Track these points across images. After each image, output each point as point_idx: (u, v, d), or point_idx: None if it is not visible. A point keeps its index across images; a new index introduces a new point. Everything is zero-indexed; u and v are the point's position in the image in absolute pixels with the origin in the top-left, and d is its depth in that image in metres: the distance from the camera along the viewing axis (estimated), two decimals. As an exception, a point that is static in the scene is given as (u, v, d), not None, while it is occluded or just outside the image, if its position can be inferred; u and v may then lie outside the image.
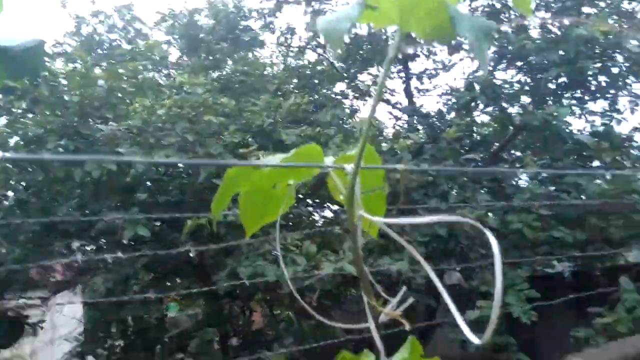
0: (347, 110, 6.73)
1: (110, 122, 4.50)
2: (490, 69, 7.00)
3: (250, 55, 7.70)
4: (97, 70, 4.66)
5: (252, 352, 4.87)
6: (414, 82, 7.67)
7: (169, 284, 5.84)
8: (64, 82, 4.19)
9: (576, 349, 2.93)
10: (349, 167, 0.69)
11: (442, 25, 0.49)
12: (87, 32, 9.16)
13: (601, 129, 6.51)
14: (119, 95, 4.66)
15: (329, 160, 0.74)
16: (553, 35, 5.71)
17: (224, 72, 7.36)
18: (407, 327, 0.61)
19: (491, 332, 0.49)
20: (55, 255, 4.45)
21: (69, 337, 5.41)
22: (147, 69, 6.34)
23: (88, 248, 4.97)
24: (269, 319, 5.72)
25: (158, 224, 4.71)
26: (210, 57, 6.80)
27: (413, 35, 0.53)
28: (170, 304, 7.10)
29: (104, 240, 4.77)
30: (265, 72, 7.22)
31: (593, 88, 6.60)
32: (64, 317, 5.61)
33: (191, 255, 2.49)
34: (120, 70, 4.57)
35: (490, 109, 7.00)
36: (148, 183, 4.63)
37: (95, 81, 4.00)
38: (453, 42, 6.98)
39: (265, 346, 5.13)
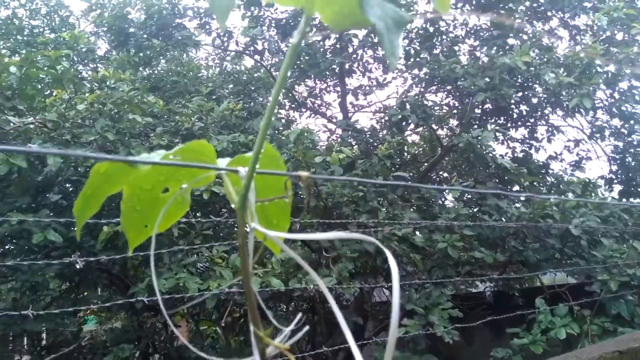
0: (283, 121, 6.66)
1: (26, 115, 4.13)
2: (422, 90, 7.23)
3: (184, 55, 7.44)
4: (16, 58, 4.26)
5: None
6: (350, 98, 7.75)
7: (86, 294, 5.46)
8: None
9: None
10: (243, 169, 0.59)
11: (350, 11, 0.43)
12: (6, 16, 8.46)
13: (521, 155, 6.91)
14: (37, 85, 4.29)
15: (223, 162, 0.64)
16: (480, 62, 5.99)
17: (156, 71, 7.05)
18: None
19: (390, 357, 0.43)
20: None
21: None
22: (72, 60, 5.91)
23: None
24: (194, 335, 5.46)
25: (74, 229, 4.36)
26: (141, 54, 6.48)
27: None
28: (88, 316, 6.64)
29: (11, 245, 4.34)
30: (200, 75, 7.00)
31: (515, 116, 7.00)
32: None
33: (78, 267, 2.25)
34: (39, 58, 4.20)
35: (420, 129, 7.22)
36: (67, 184, 4.28)
37: (7, 67, 3.64)
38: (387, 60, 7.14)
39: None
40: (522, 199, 5.41)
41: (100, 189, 0.59)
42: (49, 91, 4.47)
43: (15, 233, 3.74)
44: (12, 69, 3.66)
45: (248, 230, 0.54)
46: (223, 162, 0.63)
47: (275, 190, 0.66)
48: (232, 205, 0.55)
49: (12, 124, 3.84)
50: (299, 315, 0.63)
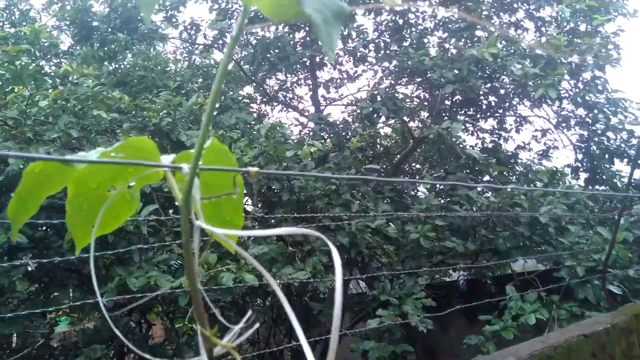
0: (255, 115, 6.59)
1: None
2: (392, 82, 7.27)
3: (151, 49, 7.28)
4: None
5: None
6: (321, 91, 7.74)
7: (56, 294, 5.31)
8: None
9: (469, 356, 3.06)
10: (187, 166, 0.56)
11: (288, 2, 0.42)
12: (-39, 9, 8.11)
13: (490, 145, 7.03)
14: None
15: (167, 158, 0.61)
16: (448, 54, 6.05)
17: (122, 65, 6.88)
18: None
19: (333, 353, 0.42)
20: None
21: None
22: (34, 55, 5.71)
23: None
24: (169, 332, 5.37)
25: (43, 229, 4.23)
26: (105, 48, 6.31)
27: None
28: (60, 318, 6.47)
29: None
30: (168, 69, 6.87)
31: (484, 107, 7.11)
32: None
33: (30, 268, 2.18)
34: (-2, 54, 4.04)
35: (392, 121, 7.27)
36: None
37: (-37, 64, 3.49)
38: (357, 52, 7.16)
39: (161, 361, 4.80)
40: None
41: (38, 189, 0.56)
42: (9, 88, 4.31)
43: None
44: (-32, 64, 3.51)
45: (193, 228, 0.52)
46: (167, 159, 0.60)
47: (228, 185, 0.64)
48: (176, 203, 0.53)
49: (-30, 122, 3.69)
50: (249, 312, 0.61)
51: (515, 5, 7.12)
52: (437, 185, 5.74)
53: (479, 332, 3.91)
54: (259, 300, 5.91)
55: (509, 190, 4.71)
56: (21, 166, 3.60)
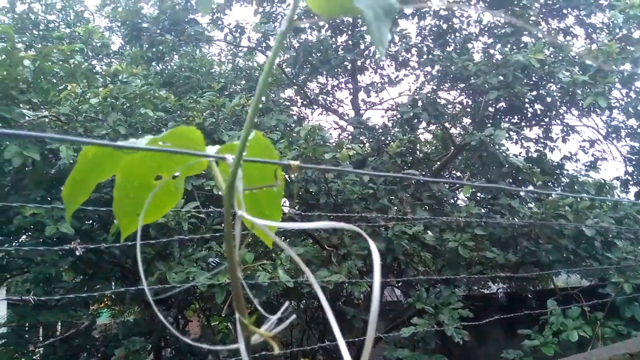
0: (295, 117, 6.65)
1: (40, 108, 4.16)
2: (434, 87, 7.18)
3: (197, 51, 7.46)
4: (32, 52, 4.29)
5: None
6: (362, 95, 7.72)
7: (98, 287, 5.51)
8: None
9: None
10: (231, 157, 0.57)
11: None
12: (22, 10, 8.55)
13: (535, 155, 6.83)
14: (52, 80, 4.32)
15: (212, 149, 0.62)
16: (493, 60, 5.93)
17: (169, 66, 7.08)
18: (276, 351, 0.51)
19: (367, 356, 0.42)
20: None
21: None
22: (86, 55, 5.95)
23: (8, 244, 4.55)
24: (205, 329, 5.48)
25: (89, 222, 4.40)
26: (153, 49, 6.51)
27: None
28: (101, 310, 6.71)
29: (26, 237, 4.39)
30: (212, 70, 7.01)
31: (529, 115, 6.92)
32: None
33: (77, 253, 2.25)
34: (53, 52, 4.23)
35: (433, 127, 7.17)
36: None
37: (21, 61, 3.66)
38: (399, 56, 7.11)
39: (199, 358, 4.89)
40: (531, 196, 5.35)
41: (90, 174, 0.58)
42: (62, 85, 4.50)
43: (29, 225, 3.78)
44: (26, 62, 3.69)
45: (235, 217, 0.53)
46: (212, 150, 0.62)
47: (269, 179, 0.65)
48: (220, 193, 0.54)
49: (26, 117, 3.88)
50: (286, 304, 0.62)
51: (564, 11, 6.90)
52: (478, 194, 5.61)
53: (517, 346, 3.79)
54: (293, 302, 5.93)
55: (553, 196, 4.55)
56: (71, 161, 3.76)
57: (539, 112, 6.84)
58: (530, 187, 5.62)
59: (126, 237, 0.68)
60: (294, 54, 6.79)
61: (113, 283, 5.91)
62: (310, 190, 4.69)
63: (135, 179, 0.62)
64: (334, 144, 5.29)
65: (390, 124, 7.05)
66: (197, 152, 0.60)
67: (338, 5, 0.43)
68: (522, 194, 5.31)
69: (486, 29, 7.04)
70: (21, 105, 4.09)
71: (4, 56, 3.81)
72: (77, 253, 2.12)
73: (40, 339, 5.36)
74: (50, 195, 4.10)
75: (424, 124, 6.68)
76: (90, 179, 0.59)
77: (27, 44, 7.73)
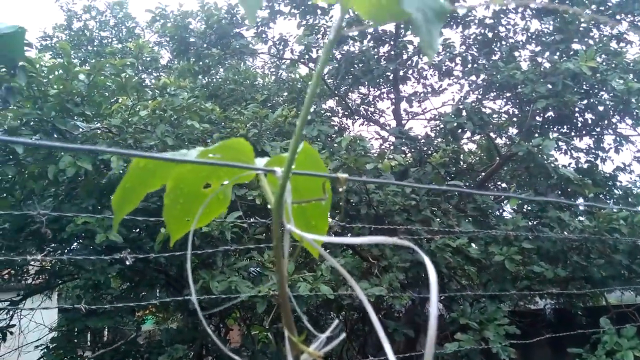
0: (336, 128, 6.67)
1: (93, 120, 4.36)
2: (479, 97, 7.04)
3: (241, 64, 7.63)
4: (86, 67, 4.52)
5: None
6: (404, 105, 7.66)
7: (144, 294, 5.66)
8: (46, 74, 4.04)
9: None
10: (280, 170, 0.57)
11: (389, 3, 0.41)
12: (78, 27, 9.02)
13: (586, 165, 6.57)
14: (105, 93, 4.53)
15: (261, 161, 0.63)
16: (542, 68, 5.76)
17: (214, 79, 7.27)
18: None
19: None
20: (26, 256, 4.23)
21: (38, 345, 5.15)
22: (136, 68, 6.19)
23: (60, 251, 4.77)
24: (246, 338, 5.54)
25: (136, 231, 4.54)
26: (200, 62, 6.70)
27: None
28: (146, 316, 6.90)
29: (77, 245, 4.58)
30: (256, 83, 7.15)
31: (579, 124, 6.67)
32: (34, 323, 5.35)
33: (127, 262, 2.32)
34: (106, 66, 4.44)
35: (477, 137, 7.02)
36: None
37: (77, 75, 3.86)
38: (442, 66, 7.02)
39: (241, 368, 4.95)
40: (582, 208, 5.14)
41: (140, 184, 0.60)
42: (114, 98, 4.70)
43: (80, 233, 3.94)
44: (81, 76, 3.88)
45: (283, 231, 0.53)
46: (261, 162, 0.62)
47: (316, 190, 0.65)
48: (269, 206, 0.55)
49: (80, 129, 4.06)
50: (336, 322, 0.61)
51: (617, 17, 6.63)
52: (525, 206, 5.44)
53: (566, 365, 3.63)
54: (332, 314, 5.91)
55: (606, 209, 4.35)
56: (121, 171, 3.91)
57: (589, 121, 6.58)
58: (581, 200, 5.40)
59: (175, 241, 0.71)
60: (336, 65, 6.83)
61: (157, 290, 6.07)
62: (351, 200, 4.68)
63: (185, 186, 0.64)
64: (376, 155, 5.26)
65: (433, 134, 6.96)
66: (247, 165, 0.61)
67: (386, 10, 0.43)
68: (580, 207, 5.10)
69: (534, 36, 6.86)
70: (75, 118, 4.30)
71: (60, 71, 4.02)
72: (127, 262, 2.19)
73: (88, 344, 5.56)
74: (100, 204, 4.27)
75: (468, 134, 6.55)
76: (140, 188, 0.61)
77: (82, 59, 8.14)
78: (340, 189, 0.59)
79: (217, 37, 6.74)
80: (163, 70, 7.63)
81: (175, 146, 3.97)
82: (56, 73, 3.87)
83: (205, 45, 6.74)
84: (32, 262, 4.77)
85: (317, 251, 0.58)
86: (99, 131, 4.17)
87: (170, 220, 0.66)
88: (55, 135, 4.04)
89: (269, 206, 0.55)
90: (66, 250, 4.75)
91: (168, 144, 3.84)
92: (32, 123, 3.95)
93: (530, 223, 5.00)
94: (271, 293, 3.22)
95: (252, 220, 3.42)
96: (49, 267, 5.00)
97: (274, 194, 0.54)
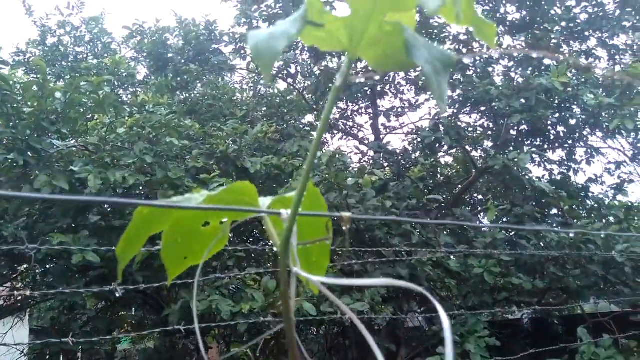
0: (315, 142, 6.69)
1: (69, 138, 4.29)
2: (455, 111, 7.17)
3: (220, 79, 7.62)
4: (61, 83, 4.46)
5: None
6: (382, 119, 7.75)
7: (122, 313, 5.54)
8: (20, 91, 3.97)
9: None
10: (286, 212, 0.58)
11: (396, 53, 0.42)
12: (52, 43, 8.89)
13: (559, 177, 6.72)
14: (80, 110, 4.46)
15: (264, 203, 0.63)
16: (515, 83, 5.90)
17: (192, 95, 7.24)
18: None
19: None
20: None
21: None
22: (113, 85, 6.13)
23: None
24: (225, 357, 5.45)
25: (113, 248, 4.45)
26: (178, 78, 6.68)
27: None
28: (122, 336, 6.74)
29: (52, 265, 4.47)
30: (235, 98, 7.14)
31: (552, 137, 6.84)
32: (5, 346, 5.16)
33: (117, 295, 2.28)
34: (83, 84, 4.38)
35: (454, 150, 7.14)
36: (106, 206, 4.41)
37: (53, 93, 3.80)
38: (419, 81, 7.14)
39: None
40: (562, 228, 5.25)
41: (144, 228, 0.60)
42: (91, 115, 4.64)
43: (55, 253, 3.85)
44: (57, 94, 3.82)
45: (290, 274, 0.53)
46: (265, 202, 0.63)
47: (315, 226, 0.66)
48: (275, 249, 0.55)
49: (55, 147, 3.99)
50: None
51: (586, 33, 6.86)
52: (503, 218, 5.53)
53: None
54: (314, 329, 5.87)
55: (588, 225, 4.44)
56: (97, 190, 3.84)
57: (562, 134, 6.75)
58: (555, 211, 5.52)
59: (172, 279, 0.70)
60: (315, 80, 6.88)
61: (134, 309, 5.94)
62: (332, 217, 4.69)
63: (184, 225, 0.64)
64: (356, 170, 5.30)
65: (411, 148, 7.04)
66: (253, 209, 0.62)
67: (395, 60, 0.44)
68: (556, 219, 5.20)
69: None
70: (50, 135, 4.22)
71: (35, 88, 3.96)
72: (117, 295, 2.15)
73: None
74: (76, 223, 4.18)
75: (445, 148, 6.66)
76: (143, 234, 0.61)
77: (57, 74, 8.01)
78: (344, 228, 0.60)
79: (195, 53, 6.72)
80: (140, 86, 7.56)
81: (153, 163, 3.93)
82: (31, 90, 3.81)
83: (183, 61, 6.71)
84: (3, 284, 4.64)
85: (316, 289, 0.59)
86: (74, 149, 4.11)
87: (168, 259, 0.65)
88: (30, 154, 3.95)
89: (274, 249, 0.55)
90: (39, 271, 4.63)
91: (147, 162, 3.80)
92: (5, 142, 3.87)
93: (507, 235, 5.08)
94: (253, 311, 3.20)
95: (240, 239, 3.40)
96: (20, 288, 4.86)
97: (279, 235, 0.54)
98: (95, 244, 3.75)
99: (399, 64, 0.42)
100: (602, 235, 4.23)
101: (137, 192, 4.17)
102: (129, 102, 5.30)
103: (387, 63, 0.44)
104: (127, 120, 4.21)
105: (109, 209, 4.48)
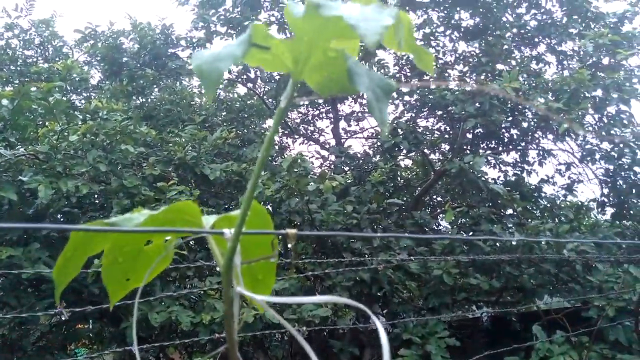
0: (276, 147, 6.67)
1: (17, 146, 4.11)
2: (413, 115, 7.30)
3: (177, 84, 7.49)
4: (9, 88, 4.27)
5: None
6: (342, 124, 7.81)
7: (79, 326, 5.35)
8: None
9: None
10: (229, 232, 0.57)
11: (339, 78, 0.44)
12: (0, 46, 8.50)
13: (513, 178, 6.95)
14: (29, 116, 4.29)
15: (209, 221, 0.62)
16: (470, 88, 6.06)
17: (149, 100, 7.08)
18: None
19: None
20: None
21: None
22: (65, 90, 5.92)
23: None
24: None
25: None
26: (134, 83, 6.51)
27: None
28: (78, 349, 6.49)
29: (1, 279, 4.27)
30: (193, 103, 7.03)
31: (506, 140, 7.06)
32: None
33: (63, 318, 2.21)
34: (32, 89, 4.21)
35: (413, 154, 7.26)
36: (59, 216, 4.25)
37: (0, 99, 3.64)
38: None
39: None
40: (515, 229, 5.43)
41: (82, 250, 0.58)
42: (41, 122, 4.47)
43: (5, 267, 3.68)
44: (4, 101, 3.66)
45: (234, 293, 0.53)
46: (208, 221, 0.62)
47: (262, 244, 0.65)
48: (218, 268, 0.54)
49: (3, 156, 3.82)
50: None
51: (536, 40, 7.14)
52: (460, 220, 5.66)
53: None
54: (277, 335, 5.83)
55: (540, 224, 4.60)
56: (48, 200, 3.70)
57: (515, 137, 6.98)
58: (510, 211, 5.70)
59: (115, 302, 0.67)
60: (275, 85, 6.87)
61: (91, 322, 5.74)
62: (294, 221, 4.68)
63: (125, 244, 0.62)
64: (317, 175, 5.31)
65: (371, 152, 7.12)
66: (196, 230, 0.60)
67: (337, 86, 0.44)
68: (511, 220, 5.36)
69: (461, 57, 7.23)
70: (-2, 144, 4.04)
71: (-20, 95, 3.78)
72: (63, 318, 2.06)
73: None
74: (27, 234, 4.02)
75: (404, 152, 6.76)
76: (81, 255, 0.58)
77: (5, 79, 7.67)
78: (290, 245, 0.60)
79: (152, 58, 6.58)
80: (94, 91, 7.34)
81: (108, 172, 3.81)
82: (-25, 97, 3.64)
83: (138, 66, 6.56)
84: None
85: (262, 308, 0.58)
86: (24, 158, 3.94)
87: (110, 281, 0.63)
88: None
89: (217, 268, 0.54)
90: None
91: (101, 170, 3.69)
92: (-53, 151, 3.68)
93: (465, 236, 5.21)
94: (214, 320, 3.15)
95: (190, 251, 3.34)
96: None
97: (222, 255, 0.53)
98: (47, 257, 3.61)
99: (342, 89, 0.43)
100: (543, 242, 4.40)
101: (91, 201, 4.04)
102: (82, 108, 5.13)
103: (330, 87, 0.44)
104: (80, 127, 4.08)
105: (62, 219, 4.33)
